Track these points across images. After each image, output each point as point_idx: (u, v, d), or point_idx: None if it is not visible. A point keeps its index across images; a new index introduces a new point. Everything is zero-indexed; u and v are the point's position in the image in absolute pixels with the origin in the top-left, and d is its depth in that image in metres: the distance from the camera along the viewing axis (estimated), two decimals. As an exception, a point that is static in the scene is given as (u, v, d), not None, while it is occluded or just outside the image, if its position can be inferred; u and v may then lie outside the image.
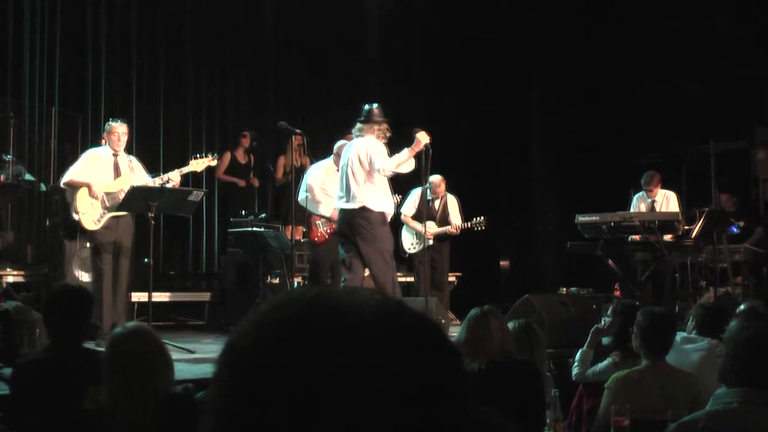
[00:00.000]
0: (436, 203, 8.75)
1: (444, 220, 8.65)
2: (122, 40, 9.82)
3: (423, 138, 6.22)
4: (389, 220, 6.67)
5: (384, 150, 6.40)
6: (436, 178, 8.59)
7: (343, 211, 6.52)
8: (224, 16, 10.76)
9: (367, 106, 6.62)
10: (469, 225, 8.60)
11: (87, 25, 9.47)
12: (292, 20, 10.88)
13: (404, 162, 6.31)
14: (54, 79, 9.14)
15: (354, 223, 6.38)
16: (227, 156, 9.84)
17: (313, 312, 0.76)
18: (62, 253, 7.44)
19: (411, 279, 9.22)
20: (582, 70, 10.97)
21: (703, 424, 2.36)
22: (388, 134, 6.52)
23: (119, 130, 6.63)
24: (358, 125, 6.56)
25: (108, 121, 6.88)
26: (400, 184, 8.53)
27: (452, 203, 8.79)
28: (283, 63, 11.09)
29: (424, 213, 8.11)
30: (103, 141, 6.74)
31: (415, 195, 8.60)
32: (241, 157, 9.90)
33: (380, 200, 6.46)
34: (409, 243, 8.74)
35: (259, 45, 11.02)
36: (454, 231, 8.57)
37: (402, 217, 8.64)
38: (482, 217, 8.58)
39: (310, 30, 10.85)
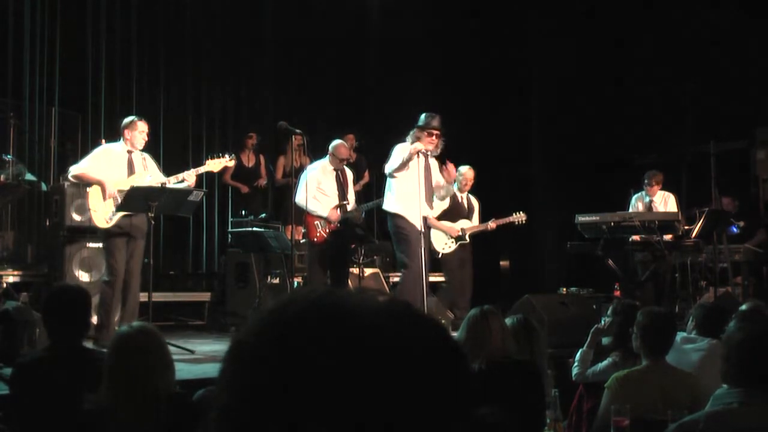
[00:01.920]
0: (462, 198, 8.42)
1: (466, 217, 8.43)
2: (122, 40, 9.82)
3: (417, 147, 6.76)
4: (418, 222, 6.87)
5: (400, 153, 6.87)
6: (465, 169, 8.34)
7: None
8: (224, 16, 10.75)
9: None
10: (509, 220, 8.42)
11: (87, 25, 9.46)
12: (292, 20, 10.88)
13: (399, 167, 6.85)
14: (54, 79, 9.13)
15: (388, 225, 7.10)
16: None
17: (317, 312, 0.76)
18: (62, 253, 7.44)
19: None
20: (582, 70, 10.96)
21: (703, 424, 2.36)
22: (417, 135, 6.89)
23: (144, 128, 6.47)
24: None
25: (126, 116, 6.67)
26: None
27: (475, 202, 8.55)
28: (283, 63, 11.09)
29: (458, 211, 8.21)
30: (126, 137, 6.47)
31: None
32: (247, 159, 9.89)
33: (398, 203, 6.89)
34: (443, 243, 8.29)
35: (259, 45, 11.02)
36: (493, 227, 8.38)
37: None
38: (521, 212, 8.47)
39: (310, 30, 10.85)
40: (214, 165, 6.66)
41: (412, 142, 6.82)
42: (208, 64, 10.62)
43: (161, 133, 10.13)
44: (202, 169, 6.61)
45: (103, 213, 6.30)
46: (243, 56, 10.92)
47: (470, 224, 8.36)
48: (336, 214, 7.28)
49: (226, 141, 10.58)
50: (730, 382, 2.48)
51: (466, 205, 8.41)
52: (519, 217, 8.46)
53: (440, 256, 8.30)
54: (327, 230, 7.33)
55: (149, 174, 6.49)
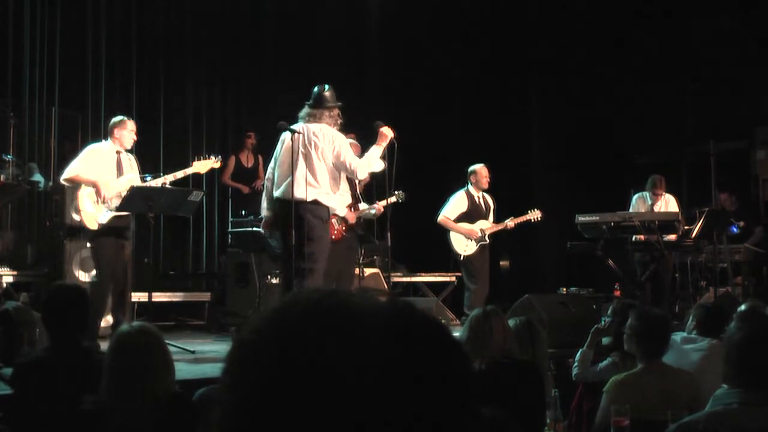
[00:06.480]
0: (479, 198, 8.30)
1: (484, 217, 8.32)
2: (122, 40, 9.82)
3: (388, 132, 6.00)
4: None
5: (346, 147, 6.03)
6: (478, 167, 8.28)
7: (286, 202, 5.91)
8: (224, 16, 10.75)
9: (316, 89, 6.06)
10: (525, 218, 8.37)
11: (87, 25, 9.46)
12: (292, 19, 10.88)
13: (376, 161, 6.03)
14: (54, 79, 9.12)
15: (301, 216, 5.83)
16: (232, 160, 9.74)
17: (320, 312, 0.76)
18: (62, 253, 7.44)
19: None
20: (582, 70, 10.96)
21: (703, 425, 2.36)
22: (339, 121, 6.08)
23: (133, 127, 6.47)
24: (307, 110, 6.07)
25: (116, 116, 6.65)
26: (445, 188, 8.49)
27: (491, 201, 8.41)
28: (283, 63, 11.08)
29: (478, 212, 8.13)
30: (115, 137, 6.45)
31: (458, 197, 8.25)
32: (246, 159, 9.84)
33: (331, 195, 6.01)
34: (463, 245, 8.16)
35: (259, 45, 11.01)
36: (511, 225, 8.32)
37: (442, 219, 8.20)
38: (536, 209, 8.43)
39: (310, 29, 10.85)
40: (200, 166, 6.65)
41: (384, 134, 6.02)
42: (208, 64, 10.62)
43: (161, 132, 10.14)
44: (189, 171, 6.60)
45: (93, 214, 6.30)
46: (243, 56, 10.91)
47: (488, 224, 8.24)
48: (353, 215, 6.99)
49: (226, 141, 10.58)
50: (730, 382, 2.48)
51: (483, 205, 8.31)
52: (534, 214, 8.42)
53: (461, 258, 8.18)
54: (344, 228, 7.11)
55: (135, 175, 6.49)
